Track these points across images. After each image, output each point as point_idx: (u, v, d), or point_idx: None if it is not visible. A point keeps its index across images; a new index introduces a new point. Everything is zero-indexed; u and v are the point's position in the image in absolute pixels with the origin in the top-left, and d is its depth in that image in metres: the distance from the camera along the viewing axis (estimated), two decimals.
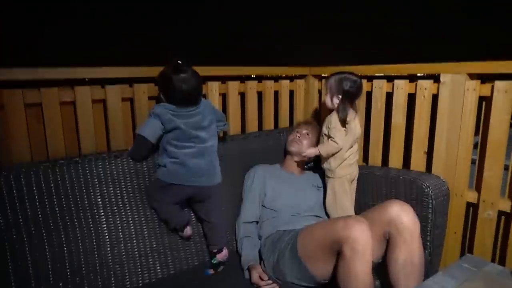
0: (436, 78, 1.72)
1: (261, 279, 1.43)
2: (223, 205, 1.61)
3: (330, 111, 1.68)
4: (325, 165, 1.69)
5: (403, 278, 1.29)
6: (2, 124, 1.39)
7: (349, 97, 1.61)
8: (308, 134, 1.84)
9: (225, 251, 1.57)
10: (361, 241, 1.19)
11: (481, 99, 1.62)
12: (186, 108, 1.45)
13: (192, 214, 1.62)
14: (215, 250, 1.56)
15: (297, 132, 1.86)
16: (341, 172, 1.65)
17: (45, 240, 1.28)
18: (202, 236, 1.63)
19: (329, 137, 1.63)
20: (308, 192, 1.75)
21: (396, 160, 1.88)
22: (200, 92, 1.51)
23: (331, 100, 1.65)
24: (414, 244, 1.31)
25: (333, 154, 1.63)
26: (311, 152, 1.68)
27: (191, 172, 1.46)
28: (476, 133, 1.66)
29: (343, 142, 1.60)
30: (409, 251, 1.30)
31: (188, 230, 1.56)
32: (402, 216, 1.33)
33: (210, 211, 1.56)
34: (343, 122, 1.60)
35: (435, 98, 1.73)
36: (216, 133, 1.57)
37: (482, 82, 1.59)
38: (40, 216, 1.28)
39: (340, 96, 1.61)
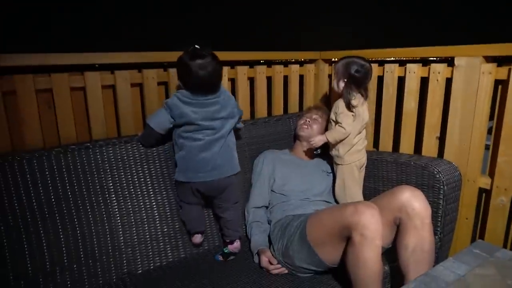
0: (450, 62, 1.68)
1: (270, 263, 1.44)
2: (238, 199, 1.58)
3: (339, 96, 1.66)
4: (333, 152, 1.67)
5: (412, 265, 1.28)
6: (14, 110, 1.41)
7: (355, 82, 1.58)
8: (318, 119, 1.82)
9: (237, 244, 1.57)
10: (371, 227, 1.17)
11: (497, 82, 1.58)
12: (205, 96, 1.41)
13: (207, 222, 1.63)
14: (228, 241, 1.57)
15: (306, 117, 1.85)
16: (349, 159, 1.64)
17: (59, 224, 1.30)
18: (212, 221, 1.65)
19: (336, 122, 1.61)
20: (317, 177, 1.75)
21: (407, 145, 1.86)
22: (219, 79, 1.44)
23: (338, 84, 1.63)
24: (424, 230, 1.30)
25: (341, 140, 1.61)
26: (319, 139, 1.66)
27: (198, 166, 1.42)
28: (491, 117, 1.62)
29: (350, 127, 1.58)
30: (419, 238, 1.29)
31: (197, 238, 1.57)
32: (413, 201, 1.32)
33: (224, 207, 1.53)
34: (348, 107, 1.58)
35: (448, 82, 1.69)
36: (231, 127, 1.50)
37: (499, 65, 1.55)
38: (53, 200, 1.30)
39: (345, 80, 1.59)
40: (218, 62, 1.41)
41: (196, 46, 1.39)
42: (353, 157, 1.64)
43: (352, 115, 1.59)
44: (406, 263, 1.29)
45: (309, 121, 1.81)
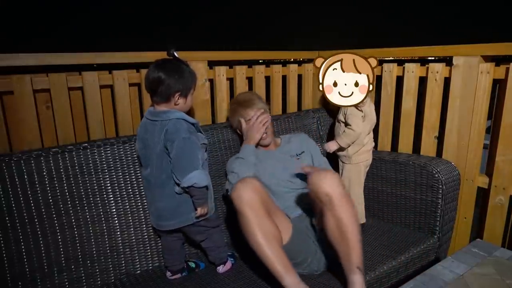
0: (448, 61, 1.68)
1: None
2: (212, 230, 1.43)
3: None
4: (341, 152, 1.66)
5: (336, 243, 1.27)
6: (12, 110, 1.40)
7: None
8: (266, 119, 1.64)
9: (222, 268, 1.44)
10: (244, 199, 1.25)
11: (495, 82, 1.58)
12: (154, 108, 1.33)
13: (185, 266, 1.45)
14: (217, 263, 1.45)
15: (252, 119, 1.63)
16: (358, 158, 1.64)
17: (57, 224, 1.30)
18: None
19: (346, 124, 1.61)
20: (290, 164, 1.63)
21: (406, 145, 1.86)
22: (160, 91, 1.27)
23: None
24: (338, 210, 1.26)
25: (352, 142, 1.62)
26: (332, 145, 1.63)
27: (149, 206, 1.42)
28: (489, 117, 1.63)
29: (360, 128, 1.58)
30: (335, 218, 1.26)
31: (170, 275, 1.41)
32: (324, 186, 1.29)
33: (199, 240, 1.44)
34: (356, 107, 1.58)
35: (447, 81, 1.69)
36: (165, 169, 1.30)
37: (497, 65, 1.55)
38: (51, 200, 1.29)
39: None
40: (175, 73, 1.29)
41: (171, 51, 1.36)
42: (361, 157, 1.64)
43: (362, 116, 1.59)
44: (331, 243, 1.29)
45: (265, 133, 1.64)
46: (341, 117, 1.64)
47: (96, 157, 1.41)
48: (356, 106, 1.58)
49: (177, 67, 1.30)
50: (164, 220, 1.35)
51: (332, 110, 2.08)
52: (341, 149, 1.66)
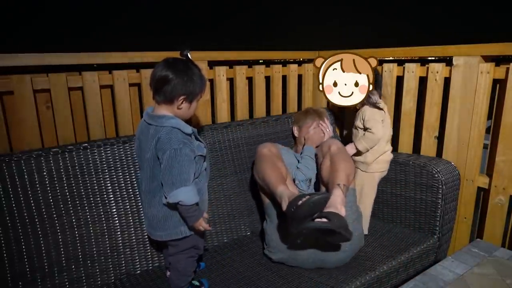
0: (448, 61, 1.69)
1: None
2: (182, 256, 1.32)
3: None
4: (358, 158, 1.64)
5: (326, 179, 1.46)
6: (12, 110, 1.40)
7: (378, 81, 1.62)
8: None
9: None
10: (266, 146, 1.56)
11: (495, 82, 1.59)
12: (152, 109, 1.27)
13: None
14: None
15: (318, 124, 1.80)
16: (375, 167, 1.62)
17: (57, 224, 1.30)
18: (209, 221, 1.64)
19: (365, 129, 1.59)
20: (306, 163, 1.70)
21: (406, 145, 1.86)
22: (165, 91, 1.19)
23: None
24: (334, 152, 1.47)
25: (371, 147, 1.59)
26: (350, 150, 1.62)
27: (143, 210, 1.40)
28: (489, 117, 1.63)
29: (381, 132, 1.55)
30: (330, 156, 1.48)
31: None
32: (328, 142, 1.56)
33: (170, 252, 1.34)
34: (377, 111, 1.58)
35: (447, 81, 1.69)
36: (157, 177, 1.22)
37: (497, 65, 1.55)
38: (51, 200, 1.29)
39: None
40: (181, 75, 1.20)
41: (185, 51, 1.27)
42: (379, 167, 1.63)
43: (382, 120, 1.57)
44: (324, 182, 1.49)
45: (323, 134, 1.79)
46: (358, 123, 1.61)
47: (96, 157, 1.41)
48: (375, 106, 1.58)
49: (188, 69, 1.21)
50: (153, 229, 1.30)
51: (333, 110, 2.09)
52: (358, 153, 1.64)
